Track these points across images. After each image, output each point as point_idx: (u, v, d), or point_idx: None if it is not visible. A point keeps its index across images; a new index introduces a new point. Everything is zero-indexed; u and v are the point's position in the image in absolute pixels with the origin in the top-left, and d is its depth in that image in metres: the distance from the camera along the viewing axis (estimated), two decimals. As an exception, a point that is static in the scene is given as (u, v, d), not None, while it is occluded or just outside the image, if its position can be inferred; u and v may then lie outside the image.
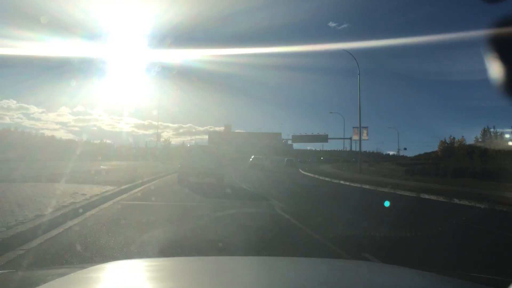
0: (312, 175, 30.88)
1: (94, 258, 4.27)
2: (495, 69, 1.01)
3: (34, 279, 1.53)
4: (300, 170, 41.07)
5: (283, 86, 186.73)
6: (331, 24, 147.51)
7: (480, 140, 65.62)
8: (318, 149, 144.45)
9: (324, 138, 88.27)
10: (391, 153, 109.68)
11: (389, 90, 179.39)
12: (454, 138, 79.99)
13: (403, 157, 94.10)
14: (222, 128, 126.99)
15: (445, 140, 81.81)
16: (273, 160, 68.67)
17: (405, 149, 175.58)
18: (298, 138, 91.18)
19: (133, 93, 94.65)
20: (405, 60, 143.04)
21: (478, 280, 1.83)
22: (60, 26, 66.37)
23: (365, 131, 45.94)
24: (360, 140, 33.58)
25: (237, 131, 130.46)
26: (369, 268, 2.22)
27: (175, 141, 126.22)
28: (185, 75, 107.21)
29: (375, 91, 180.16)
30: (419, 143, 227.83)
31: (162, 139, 74.28)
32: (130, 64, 68.88)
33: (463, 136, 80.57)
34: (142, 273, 1.71)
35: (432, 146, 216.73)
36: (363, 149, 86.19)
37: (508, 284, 1.27)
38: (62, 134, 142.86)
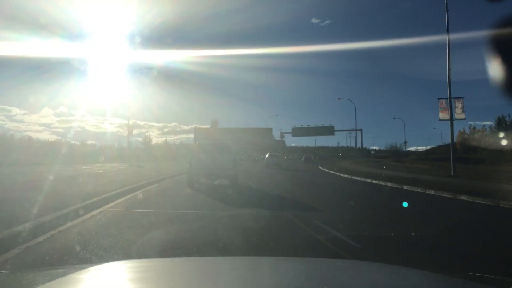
0: (364, 179, 19.88)
1: None
2: (495, 68, 0.99)
3: (33, 280, 1.53)
4: (330, 170, 31.10)
5: (271, 86, 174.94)
6: (314, 21, 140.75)
7: (495, 129, 58.74)
8: (311, 145, 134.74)
9: (329, 131, 77.20)
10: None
11: (378, 88, 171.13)
12: (474, 128, 69.73)
13: (416, 152, 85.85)
14: (208, 127, 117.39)
15: (463, 130, 72.76)
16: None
17: (405, 142, 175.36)
18: (299, 131, 79.90)
19: (117, 93, 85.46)
20: (388, 60, 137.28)
21: (479, 280, 1.79)
22: (39, 25, 59.69)
23: (459, 104, 24.64)
24: (451, 119, 21.75)
25: (225, 127, 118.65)
26: (368, 268, 2.13)
27: (161, 140, 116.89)
28: (170, 75, 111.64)
29: (364, 91, 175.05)
30: (411, 136, 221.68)
31: (137, 138, 69.07)
32: (113, 64, 64.57)
33: (484, 126, 70.83)
34: (141, 274, 1.67)
35: (429, 139, 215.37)
36: (352, 145, 75.87)
37: (510, 284, 1.20)
38: (46, 136, 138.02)
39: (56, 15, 58.23)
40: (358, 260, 3.98)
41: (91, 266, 1.68)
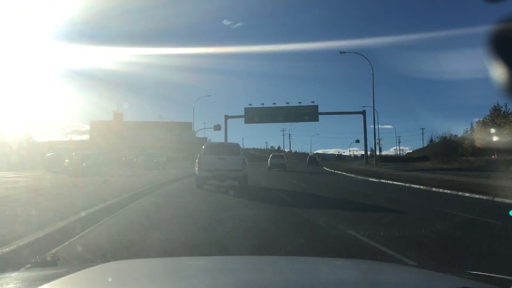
0: None
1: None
2: (496, 68, 0.99)
3: (33, 280, 1.51)
4: (356, 176, 24.93)
5: (191, 85, 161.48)
6: (226, 23, 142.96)
7: (490, 119, 49.04)
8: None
9: (310, 114, 47.25)
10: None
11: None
12: (505, 113, 54.29)
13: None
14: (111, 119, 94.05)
15: (486, 119, 53.77)
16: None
17: (357, 141, 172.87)
18: (257, 114, 48.52)
19: (15, 92, 73.97)
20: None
21: (479, 279, 1.76)
22: None
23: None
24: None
25: (132, 120, 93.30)
26: (369, 267, 2.12)
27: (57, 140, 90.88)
28: (79, 73, 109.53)
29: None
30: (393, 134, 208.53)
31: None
32: (10, 60, 50.40)
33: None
34: (141, 274, 1.67)
35: (420, 136, 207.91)
36: (314, 151, 50.74)
37: (510, 283, 1.15)
38: None
39: None
40: (358, 259, 3.95)
41: (92, 266, 1.68)
